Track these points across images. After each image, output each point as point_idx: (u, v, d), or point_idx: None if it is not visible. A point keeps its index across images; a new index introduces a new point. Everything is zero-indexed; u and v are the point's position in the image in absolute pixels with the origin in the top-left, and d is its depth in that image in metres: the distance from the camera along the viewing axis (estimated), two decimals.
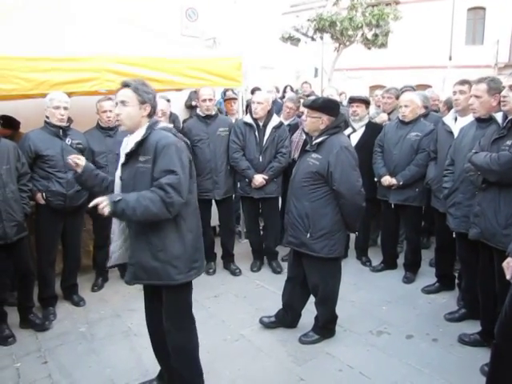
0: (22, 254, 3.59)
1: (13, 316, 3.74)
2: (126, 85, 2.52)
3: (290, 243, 3.46)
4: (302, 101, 6.19)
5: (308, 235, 3.28)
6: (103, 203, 2.30)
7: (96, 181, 2.68)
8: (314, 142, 3.29)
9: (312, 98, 3.87)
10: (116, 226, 2.61)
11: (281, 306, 3.73)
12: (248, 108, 5.01)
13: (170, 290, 2.58)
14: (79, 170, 2.62)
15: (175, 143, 2.45)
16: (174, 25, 7.73)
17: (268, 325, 3.73)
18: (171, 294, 2.60)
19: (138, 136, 2.49)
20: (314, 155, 3.25)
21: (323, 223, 3.25)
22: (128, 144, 2.55)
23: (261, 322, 3.75)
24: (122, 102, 2.50)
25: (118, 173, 2.59)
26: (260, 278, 4.79)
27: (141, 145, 2.47)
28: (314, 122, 3.26)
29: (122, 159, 2.57)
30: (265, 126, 4.62)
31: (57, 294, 4.14)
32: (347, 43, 19.17)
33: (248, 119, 4.67)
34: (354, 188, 3.20)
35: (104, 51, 4.22)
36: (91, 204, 2.34)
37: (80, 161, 2.61)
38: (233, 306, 4.18)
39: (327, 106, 3.26)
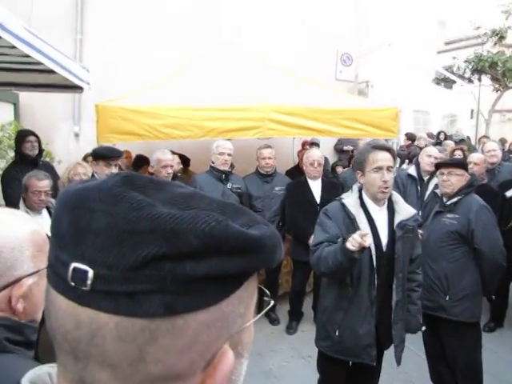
0: None
1: None
2: (388, 149, 2.45)
3: (425, 307, 3.25)
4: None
5: (447, 298, 3.16)
6: None
7: None
8: (449, 202, 3.27)
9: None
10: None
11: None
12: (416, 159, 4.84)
13: None
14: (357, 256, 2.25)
15: None
16: (329, 70, 8.01)
17: None
18: None
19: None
20: (450, 215, 3.24)
21: (463, 284, 3.16)
22: (383, 215, 2.52)
23: None
24: (388, 168, 2.42)
25: (371, 240, 2.33)
26: None
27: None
28: (459, 179, 3.25)
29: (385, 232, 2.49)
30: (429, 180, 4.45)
31: None
32: (510, 84, 17.70)
33: (412, 171, 4.58)
34: (496, 246, 3.16)
35: (266, 101, 4.53)
36: None
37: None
38: None
39: (466, 163, 3.53)
